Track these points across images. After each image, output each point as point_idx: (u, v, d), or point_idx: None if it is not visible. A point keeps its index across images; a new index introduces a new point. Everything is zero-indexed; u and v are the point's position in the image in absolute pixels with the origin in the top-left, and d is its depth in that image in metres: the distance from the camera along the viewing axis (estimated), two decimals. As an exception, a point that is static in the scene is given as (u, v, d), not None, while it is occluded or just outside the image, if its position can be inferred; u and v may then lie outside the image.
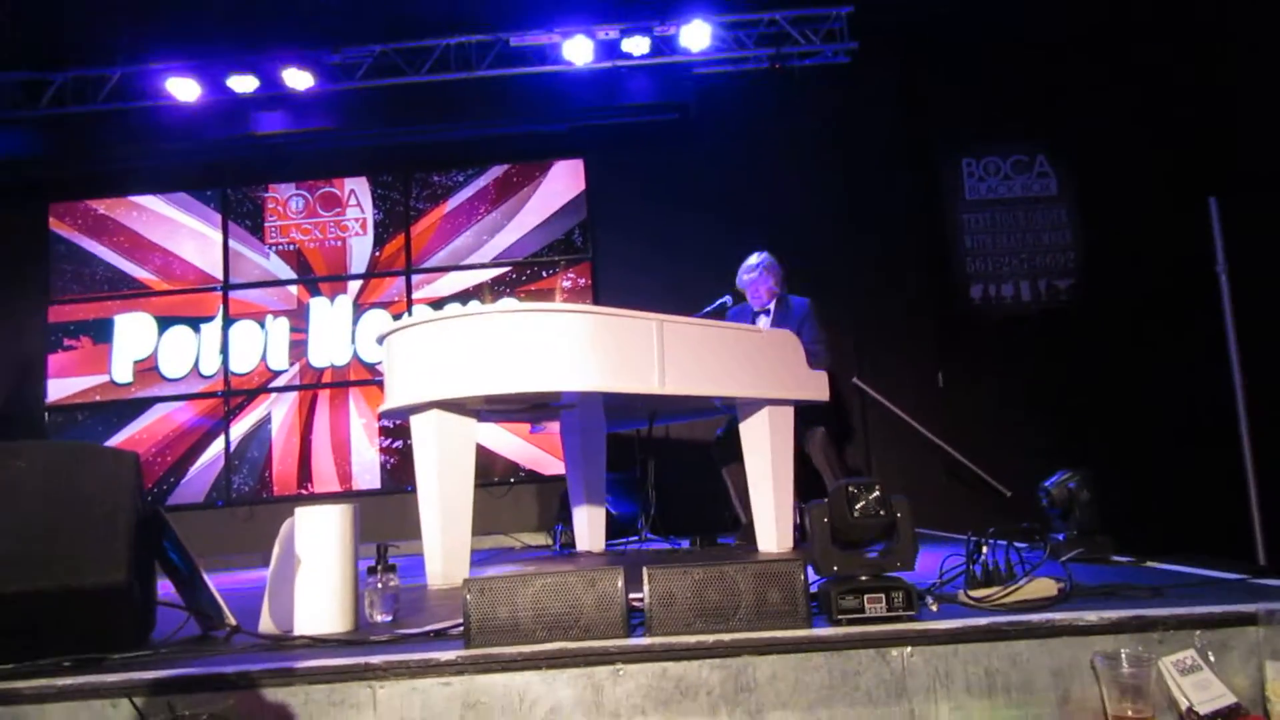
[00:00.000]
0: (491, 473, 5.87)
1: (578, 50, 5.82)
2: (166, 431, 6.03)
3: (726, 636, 1.73)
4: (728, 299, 4.43)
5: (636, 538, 4.37)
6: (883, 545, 1.87)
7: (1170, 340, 5.47)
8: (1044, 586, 1.97)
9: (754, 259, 4.36)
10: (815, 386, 3.77)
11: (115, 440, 5.97)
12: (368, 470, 5.99)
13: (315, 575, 2.09)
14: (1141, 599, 1.93)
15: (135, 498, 1.98)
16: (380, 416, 5.50)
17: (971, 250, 5.97)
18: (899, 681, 1.71)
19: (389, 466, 5.99)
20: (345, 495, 5.89)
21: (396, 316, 6.08)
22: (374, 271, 6.21)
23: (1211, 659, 1.71)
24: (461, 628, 1.79)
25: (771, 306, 4.34)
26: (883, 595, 1.79)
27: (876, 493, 1.81)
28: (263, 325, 6.15)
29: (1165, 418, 5.38)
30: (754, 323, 4.37)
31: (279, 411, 6.06)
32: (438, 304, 6.12)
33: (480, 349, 3.00)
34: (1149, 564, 2.63)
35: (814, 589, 1.88)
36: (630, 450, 4.72)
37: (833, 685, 1.71)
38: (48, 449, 2.18)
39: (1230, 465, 4.81)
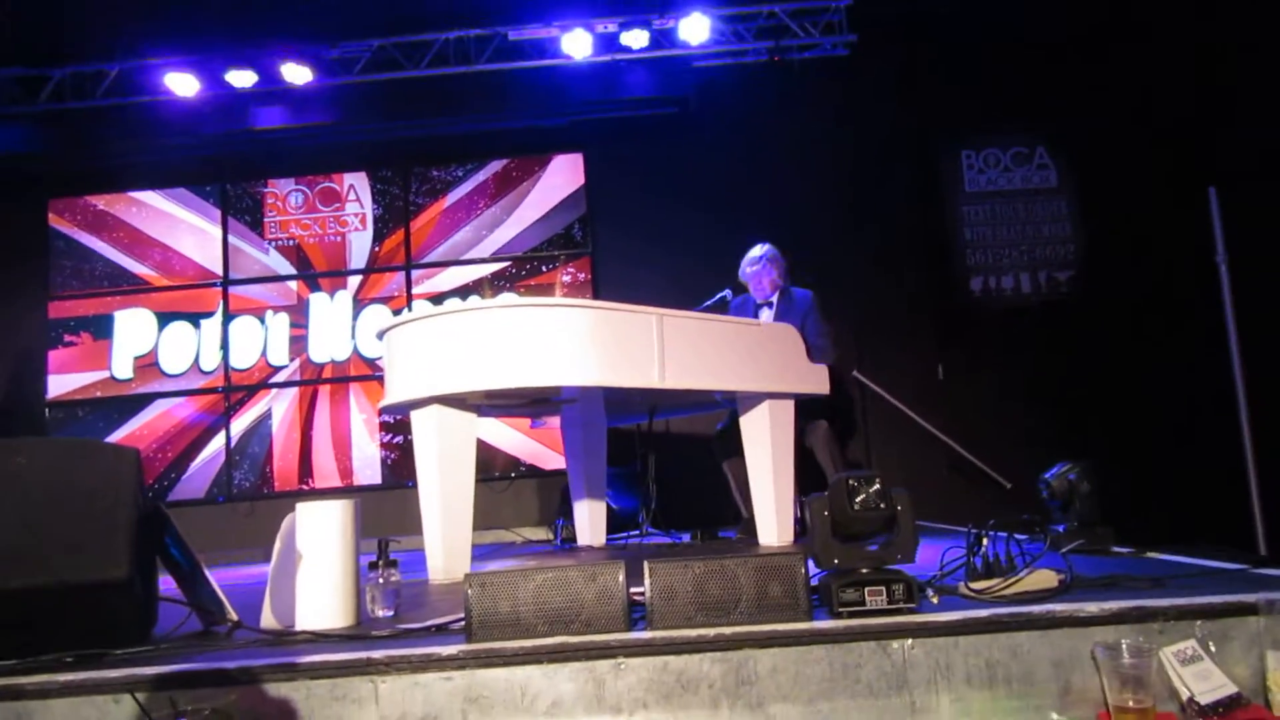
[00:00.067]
0: (492, 468, 5.87)
1: (576, 44, 5.81)
2: (167, 427, 6.04)
3: (728, 630, 1.74)
4: (728, 292, 4.43)
5: (637, 532, 4.36)
6: (883, 538, 1.87)
7: (1171, 331, 5.48)
8: (1044, 578, 1.97)
9: (757, 251, 4.35)
10: (815, 380, 3.77)
11: (116, 436, 5.97)
12: (368, 465, 6.00)
13: (316, 570, 2.09)
14: (1142, 590, 1.93)
15: (136, 493, 1.98)
16: (380, 412, 5.50)
17: (971, 242, 5.97)
18: (900, 674, 1.71)
19: (390, 462, 5.99)
20: (346, 490, 5.90)
21: (396, 311, 6.07)
22: (373, 267, 6.20)
23: (1212, 649, 1.72)
24: (463, 622, 1.80)
25: (775, 299, 4.34)
26: (883, 588, 1.79)
27: (876, 485, 1.81)
28: (263, 321, 6.15)
29: (1166, 409, 5.40)
30: (757, 315, 4.36)
31: (279, 407, 6.06)
32: (437, 299, 6.12)
33: (480, 344, 3.00)
34: (1149, 555, 2.63)
35: (815, 582, 1.88)
36: (631, 444, 4.73)
37: (834, 678, 1.71)
38: (48, 445, 2.18)
39: (1230, 455, 4.82)
